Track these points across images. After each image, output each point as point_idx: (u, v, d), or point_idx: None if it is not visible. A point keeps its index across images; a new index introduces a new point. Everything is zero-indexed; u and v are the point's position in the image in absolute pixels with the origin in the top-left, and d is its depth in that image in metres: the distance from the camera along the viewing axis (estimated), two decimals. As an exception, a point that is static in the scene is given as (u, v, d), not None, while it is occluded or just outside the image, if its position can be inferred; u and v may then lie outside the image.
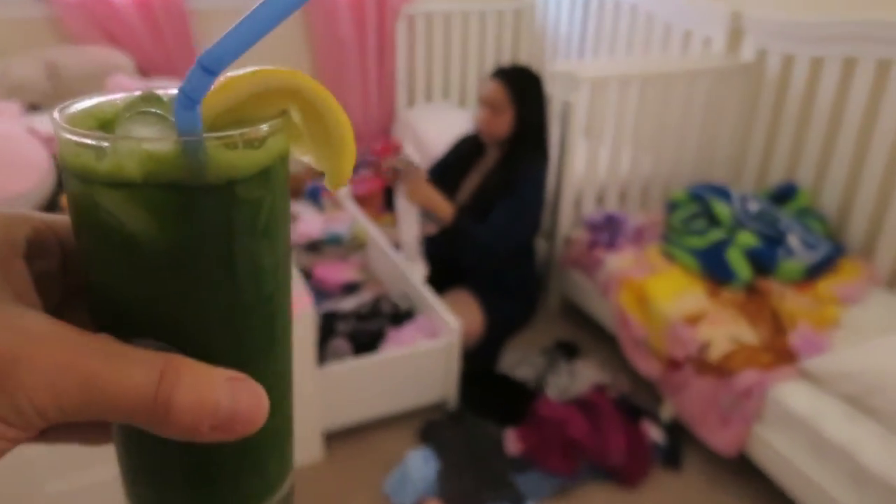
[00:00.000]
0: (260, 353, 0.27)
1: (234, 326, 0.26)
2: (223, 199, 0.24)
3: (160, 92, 0.27)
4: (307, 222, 2.73)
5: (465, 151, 2.48)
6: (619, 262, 2.43)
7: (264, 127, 0.25)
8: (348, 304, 2.38)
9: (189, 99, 0.23)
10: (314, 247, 2.64)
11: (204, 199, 0.24)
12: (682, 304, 2.15)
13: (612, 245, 2.49)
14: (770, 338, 2.00)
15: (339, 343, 2.09)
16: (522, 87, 2.30)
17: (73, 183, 0.25)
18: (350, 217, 2.82)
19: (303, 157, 0.28)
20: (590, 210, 2.69)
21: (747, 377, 1.87)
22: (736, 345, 1.97)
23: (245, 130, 0.24)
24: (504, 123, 2.28)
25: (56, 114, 0.25)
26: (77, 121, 0.25)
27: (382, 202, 2.79)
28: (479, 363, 2.39)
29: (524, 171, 2.30)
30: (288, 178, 0.28)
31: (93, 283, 0.26)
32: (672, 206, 2.60)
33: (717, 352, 1.97)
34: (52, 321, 0.24)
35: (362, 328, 2.21)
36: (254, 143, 0.25)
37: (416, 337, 2.14)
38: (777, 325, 2.04)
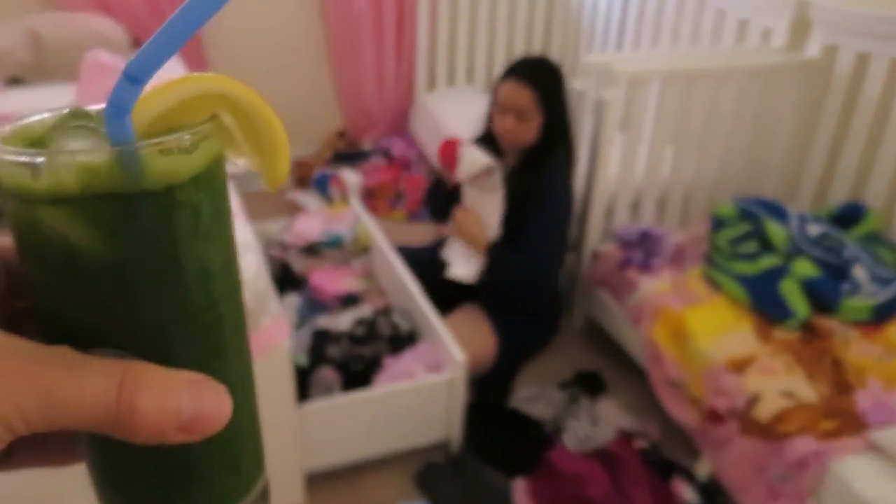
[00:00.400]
0: (217, 353, 0.27)
1: (188, 329, 0.26)
2: (163, 205, 0.24)
3: (89, 108, 0.27)
4: (306, 221, 2.45)
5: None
6: (654, 286, 2.13)
7: (190, 133, 0.25)
8: (344, 320, 2.11)
9: (117, 109, 0.23)
10: (312, 249, 2.36)
11: (144, 206, 0.24)
12: (726, 345, 1.84)
13: (646, 266, 2.19)
14: (832, 396, 1.69)
15: (327, 373, 1.82)
16: (550, 89, 1.99)
17: (12, 203, 0.24)
18: (354, 216, 2.53)
19: (238, 159, 0.28)
20: (622, 221, 2.37)
21: (803, 445, 1.57)
22: (790, 402, 1.67)
23: (174, 136, 0.24)
24: (531, 130, 1.98)
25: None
26: (6, 142, 0.25)
27: (423, 202, 2.52)
28: (488, 393, 2.11)
29: (551, 180, 2.00)
30: (226, 180, 0.27)
31: (42, 302, 0.26)
32: (717, 223, 2.28)
33: (767, 409, 1.67)
34: (5, 334, 0.24)
35: (356, 353, 1.94)
36: (187, 149, 0.25)
37: (415, 368, 1.86)
38: (840, 380, 1.73)
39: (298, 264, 2.35)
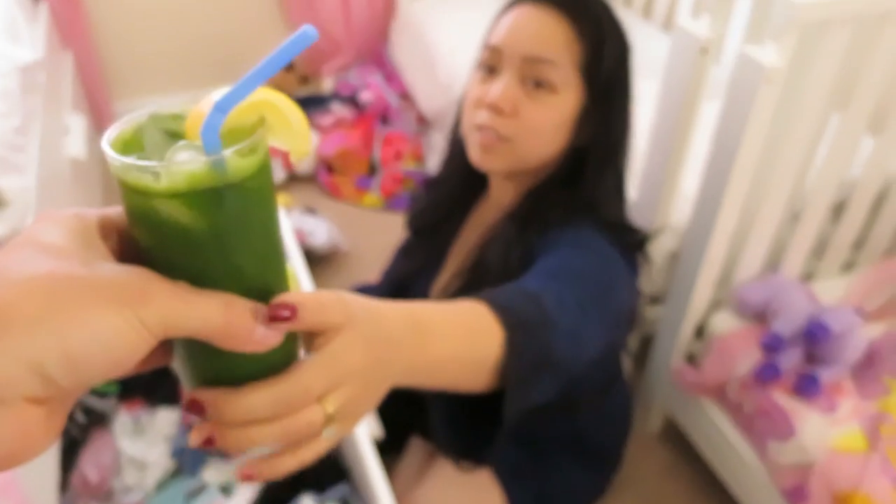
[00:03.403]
0: (277, 279, 0.38)
1: (260, 267, 0.36)
2: (240, 191, 0.34)
3: (162, 110, 0.37)
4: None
5: (460, 170, 1.04)
6: (828, 432, 1.11)
7: (252, 139, 0.34)
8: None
9: (211, 130, 0.33)
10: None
11: (229, 194, 0.33)
12: None
13: (808, 384, 1.15)
14: None
15: None
16: (605, 40, 0.86)
17: (133, 196, 0.34)
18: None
19: (272, 142, 0.36)
20: (756, 270, 1.31)
21: None
22: None
23: (245, 144, 0.33)
24: (549, 123, 0.86)
25: (107, 147, 0.34)
26: (117, 149, 0.34)
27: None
28: None
29: (585, 231, 0.86)
30: (270, 164, 0.36)
31: (154, 261, 0.35)
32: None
33: None
34: (148, 272, 0.34)
35: None
36: (253, 150, 0.34)
37: None
38: None
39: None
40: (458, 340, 0.54)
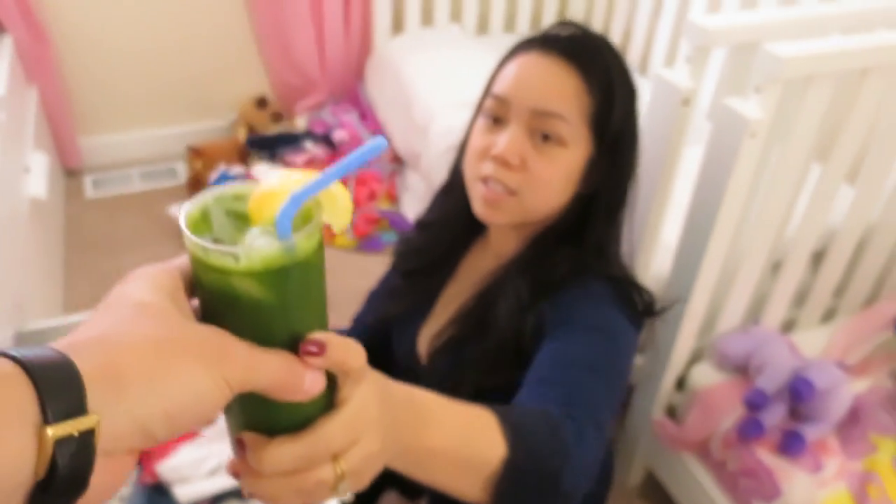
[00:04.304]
0: (322, 329, 0.42)
1: (314, 325, 0.41)
2: (304, 267, 0.39)
3: (222, 191, 0.41)
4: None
5: (457, 213, 0.99)
6: (815, 494, 1.07)
7: (314, 224, 0.38)
8: None
9: (286, 219, 0.37)
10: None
11: (295, 270, 0.38)
12: None
13: (793, 441, 1.12)
14: None
15: None
16: (617, 94, 0.83)
17: (210, 272, 0.38)
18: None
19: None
20: (738, 320, 1.29)
21: None
22: None
23: (309, 228, 0.38)
24: (559, 177, 0.83)
25: (186, 230, 0.37)
26: (194, 232, 0.38)
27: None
28: None
29: (595, 297, 0.84)
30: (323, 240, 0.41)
31: (222, 324, 0.38)
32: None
33: None
34: (221, 331, 0.38)
35: None
36: (313, 233, 0.38)
37: None
38: None
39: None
40: (455, 437, 0.51)
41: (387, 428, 0.44)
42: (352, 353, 0.41)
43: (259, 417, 0.42)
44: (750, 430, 1.14)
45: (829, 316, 1.46)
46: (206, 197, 0.41)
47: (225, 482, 1.15)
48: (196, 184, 2.19)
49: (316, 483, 0.41)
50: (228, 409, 0.43)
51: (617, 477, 1.32)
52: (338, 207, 0.41)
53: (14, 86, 1.81)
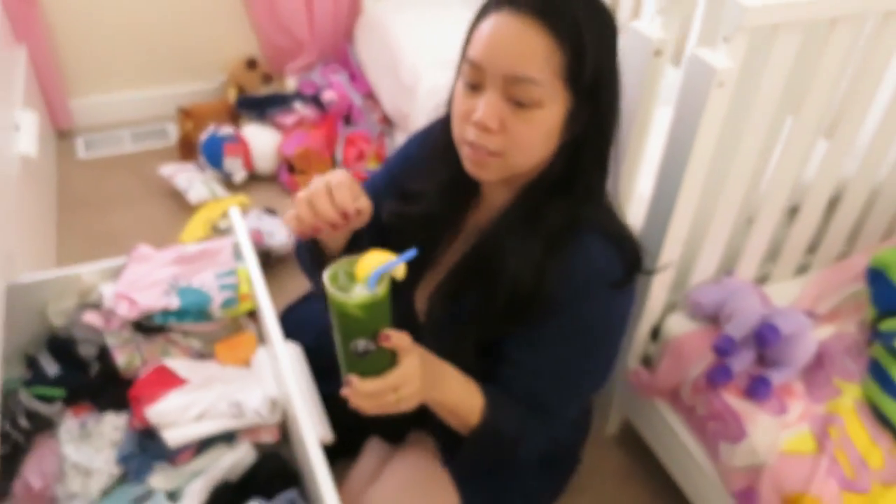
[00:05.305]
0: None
1: (387, 326, 0.77)
2: (383, 301, 0.74)
3: (340, 263, 0.76)
4: (143, 270, 1.36)
5: (450, 179, 1.02)
6: (778, 436, 1.11)
7: (388, 282, 0.75)
8: (197, 488, 1.11)
9: (374, 280, 0.72)
10: (149, 328, 1.30)
11: (378, 303, 0.73)
12: None
13: (760, 385, 1.16)
14: None
15: None
16: (593, 42, 0.84)
17: (336, 304, 0.73)
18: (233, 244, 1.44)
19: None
20: (710, 270, 1.32)
21: None
22: None
23: (383, 285, 0.73)
24: (537, 136, 0.86)
25: (327, 283, 0.74)
26: (328, 281, 0.74)
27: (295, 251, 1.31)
28: None
29: (584, 258, 0.91)
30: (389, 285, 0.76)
31: (336, 330, 0.77)
32: (881, 283, 1.25)
33: None
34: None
35: None
36: (384, 281, 0.74)
37: None
38: None
39: (121, 358, 1.29)
40: (454, 398, 0.91)
41: (422, 379, 0.81)
42: (403, 340, 0.78)
43: (360, 368, 0.78)
44: (718, 375, 1.18)
45: (801, 271, 1.49)
46: (334, 266, 0.76)
47: (210, 426, 1.19)
48: (186, 144, 2.21)
49: (385, 402, 0.80)
50: (344, 360, 0.79)
51: (595, 426, 1.37)
52: (395, 272, 0.75)
53: (2, 44, 1.82)
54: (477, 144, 0.86)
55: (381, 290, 0.73)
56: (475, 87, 0.86)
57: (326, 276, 0.74)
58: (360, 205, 0.85)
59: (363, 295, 0.73)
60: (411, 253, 0.75)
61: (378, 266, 0.73)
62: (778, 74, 1.07)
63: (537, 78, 0.82)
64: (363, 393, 0.78)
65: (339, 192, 0.84)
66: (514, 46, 0.82)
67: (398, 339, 0.78)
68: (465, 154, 0.90)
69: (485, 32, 0.84)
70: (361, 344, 0.76)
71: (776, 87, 1.09)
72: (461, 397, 0.90)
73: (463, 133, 0.88)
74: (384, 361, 0.78)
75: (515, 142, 0.85)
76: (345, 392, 0.79)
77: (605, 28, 0.87)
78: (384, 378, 0.78)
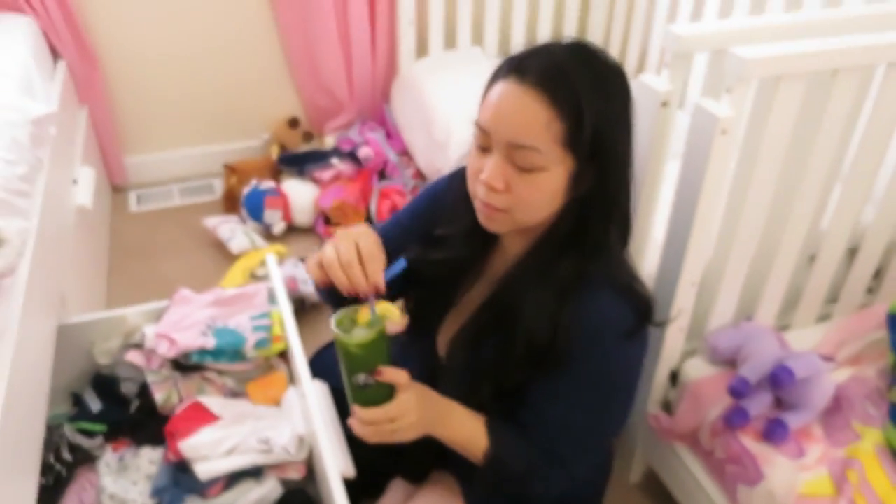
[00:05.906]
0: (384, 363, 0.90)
1: (384, 362, 0.89)
2: (381, 339, 0.87)
3: (346, 311, 0.90)
4: (185, 311, 1.45)
5: (475, 225, 1.10)
6: (797, 477, 1.11)
7: (384, 324, 0.88)
8: None
9: (373, 321, 0.88)
10: (187, 367, 1.38)
11: (377, 341, 0.86)
12: None
13: (777, 428, 1.16)
14: None
15: None
16: (595, 111, 0.87)
17: (340, 343, 0.86)
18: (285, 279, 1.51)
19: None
20: (726, 317, 1.34)
21: None
22: None
23: (379, 327, 0.87)
24: (541, 196, 0.91)
25: (334, 327, 0.87)
26: (336, 324, 0.87)
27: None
28: None
29: (596, 310, 0.94)
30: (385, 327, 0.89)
31: (342, 365, 0.89)
32: (901, 330, 1.25)
33: None
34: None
35: None
36: (383, 324, 0.87)
37: None
38: None
39: (160, 394, 1.37)
40: (459, 438, 0.98)
41: (421, 414, 0.91)
42: (399, 376, 0.89)
43: (362, 399, 0.88)
44: (735, 418, 1.19)
45: (823, 319, 1.49)
46: (341, 313, 0.88)
47: (240, 461, 1.25)
48: (231, 198, 2.33)
49: (383, 430, 0.90)
50: (350, 392, 0.90)
51: (619, 473, 1.38)
52: (390, 318, 0.88)
53: (66, 105, 1.98)
54: (485, 201, 0.93)
55: (376, 331, 0.86)
56: (484, 149, 0.92)
57: (333, 320, 0.87)
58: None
59: (362, 335, 0.85)
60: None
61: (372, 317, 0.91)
62: (782, 123, 1.11)
63: (538, 146, 0.86)
64: (363, 420, 0.89)
65: (371, 266, 0.90)
66: (516, 115, 0.87)
67: (393, 374, 0.88)
68: (478, 207, 0.96)
69: (492, 100, 0.90)
70: (362, 378, 0.88)
71: (782, 135, 1.13)
72: (471, 433, 0.98)
73: (474, 189, 0.94)
74: (383, 394, 0.89)
75: (520, 201, 0.91)
76: (350, 421, 0.91)
77: (611, 95, 0.91)
78: (382, 409, 0.88)
